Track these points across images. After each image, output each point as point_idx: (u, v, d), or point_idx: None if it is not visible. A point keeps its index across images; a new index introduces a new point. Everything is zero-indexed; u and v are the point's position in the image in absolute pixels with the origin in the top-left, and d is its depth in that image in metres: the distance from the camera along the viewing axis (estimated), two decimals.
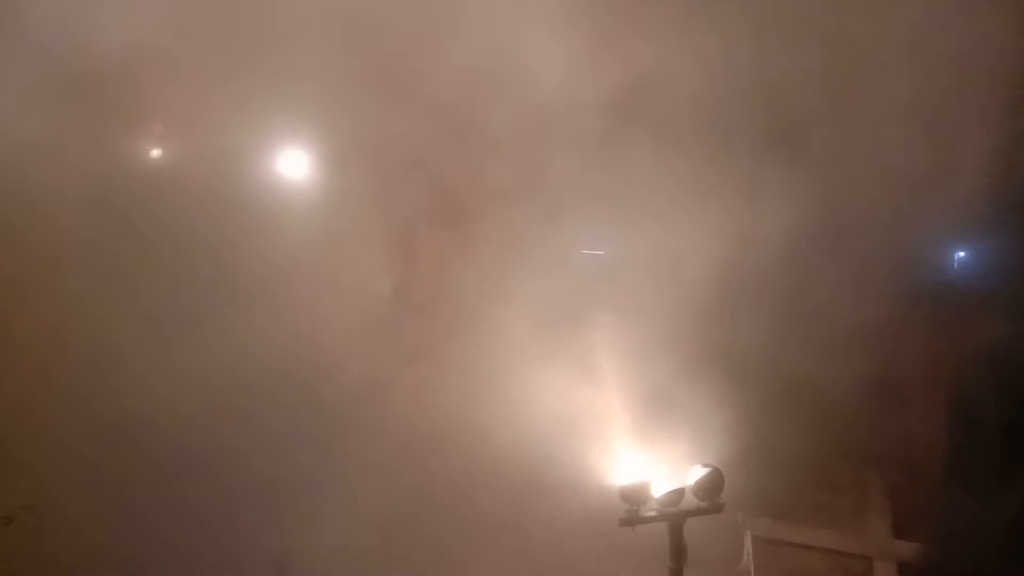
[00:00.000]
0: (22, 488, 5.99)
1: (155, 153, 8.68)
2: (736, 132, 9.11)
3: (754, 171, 9.37)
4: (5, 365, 6.30)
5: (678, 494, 4.60)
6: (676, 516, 4.56)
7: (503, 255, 10.28)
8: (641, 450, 5.40)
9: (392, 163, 9.38)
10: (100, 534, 6.03)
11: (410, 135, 9.31)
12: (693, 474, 4.62)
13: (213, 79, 7.89)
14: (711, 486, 4.61)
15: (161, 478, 6.52)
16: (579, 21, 8.33)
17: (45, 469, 6.16)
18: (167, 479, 6.52)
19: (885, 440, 9.10)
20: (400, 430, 8.82)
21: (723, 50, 8.33)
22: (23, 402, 6.26)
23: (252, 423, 7.41)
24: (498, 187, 9.66)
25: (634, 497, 4.53)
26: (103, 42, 7.37)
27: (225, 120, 8.26)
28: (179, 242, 8.11)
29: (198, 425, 6.83)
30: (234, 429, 7.21)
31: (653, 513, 4.56)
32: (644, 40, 8.39)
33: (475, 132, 9.67)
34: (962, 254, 14.60)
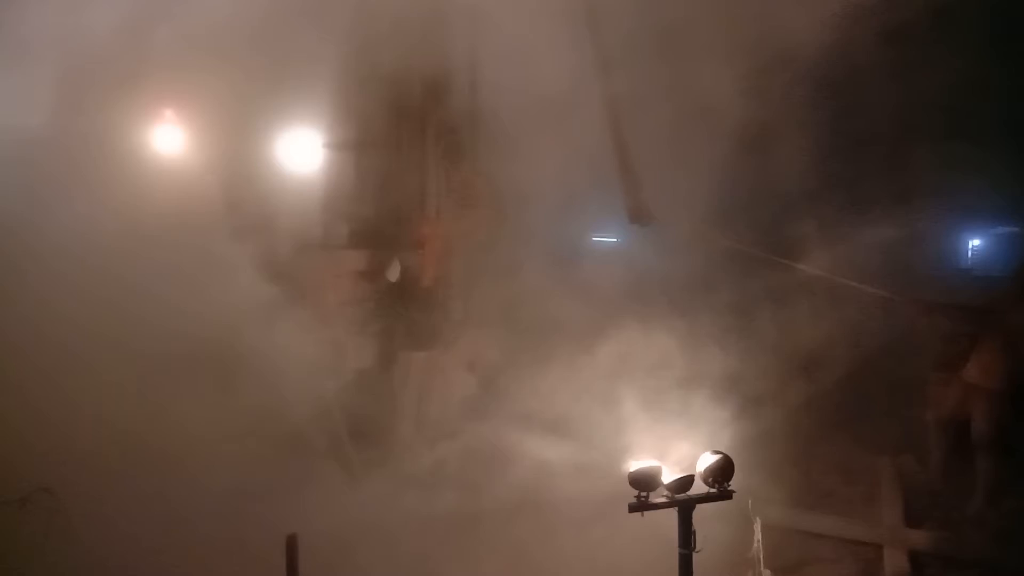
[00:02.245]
0: (38, 471, 6.03)
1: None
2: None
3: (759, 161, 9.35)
4: (21, 349, 6.34)
5: (688, 481, 4.58)
6: (686, 503, 4.54)
7: (515, 242, 10.28)
8: (651, 436, 5.40)
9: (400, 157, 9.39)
10: (113, 516, 6.09)
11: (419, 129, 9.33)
12: (703, 461, 4.59)
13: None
14: (721, 473, 4.57)
15: (174, 460, 6.56)
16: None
17: (61, 452, 6.21)
18: (179, 461, 6.56)
19: (896, 427, 9.08)
20: (409, 416, 8.86)
21: None
22: (40, 384, 6.31)
23: (261, 408, 7.45)
24: (509, 179, 9.67)
25: (644, 483, 4.50)
26: None
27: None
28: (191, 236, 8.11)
29: (211, 409, 6.87)
30: (246, 415, 7.26)
31: (663, 499, 4.54)
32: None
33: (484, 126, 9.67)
34: (976, 242, 14.53)
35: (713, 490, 4.56)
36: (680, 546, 4.53)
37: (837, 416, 9.55)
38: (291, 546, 4.88)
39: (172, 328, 7.06)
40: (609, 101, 8.53)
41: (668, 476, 4.53)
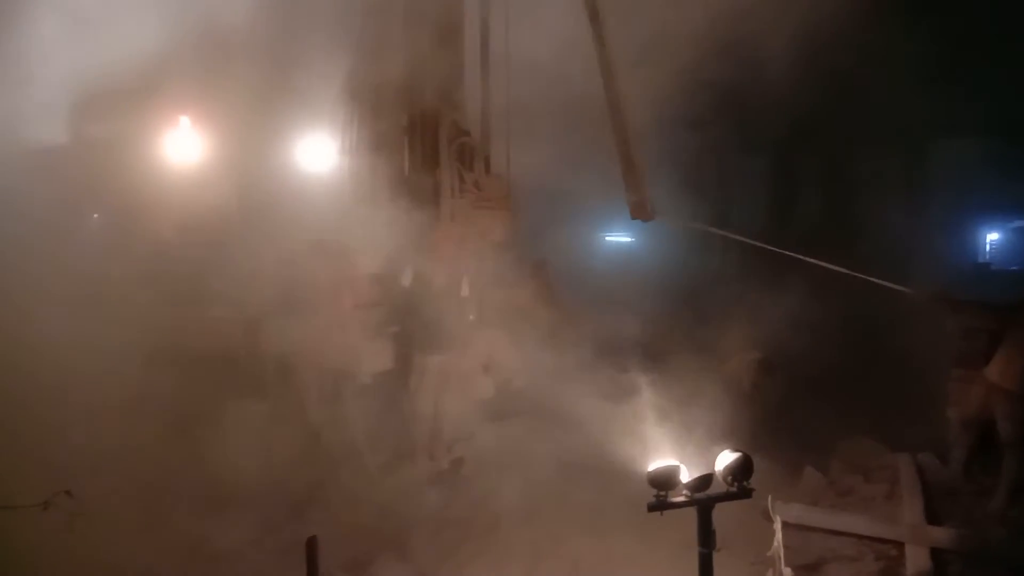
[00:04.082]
0: (60, 473, 6.08)
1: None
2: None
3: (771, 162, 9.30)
4: (42, 353, 6.40)
5: (707, 479, 4.55)
6: (705, 501, 4.51)
7: (528, 243, 10.29)
8: (670, 435, 5.38)
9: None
10: (134, 518, 6.14)
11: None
12: (722, 459, 4.56)
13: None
14: (740, 471, 4.54)
15: (196, 460, 6.61)
16: None
17: (83, 454, 6.27)
18: (202, 461, 6.61)
19: (917, 424, 9.00)
20: (425, 418, 8.88)
21: None
22: (61, 388, 6.37)
23: (281, 411, 7.49)
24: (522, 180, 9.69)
25: (663, 482, 4.48)
26: None
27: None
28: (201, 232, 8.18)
29: (231, 411, 6.92)
30: (261, 416, 7.30)
31: (682, 498, 4.52)
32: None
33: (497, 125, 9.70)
34: (995, 236, 14.42)
35: (732, 488, 4.53)
36: (700, 545, 4.50)
37: (857, 413, 9.48)
38: (311, 548, 4.89)
39: (192, 332, 7.12)
40: (613, 98, 8.49)
41: (687, 475, 4.51)
